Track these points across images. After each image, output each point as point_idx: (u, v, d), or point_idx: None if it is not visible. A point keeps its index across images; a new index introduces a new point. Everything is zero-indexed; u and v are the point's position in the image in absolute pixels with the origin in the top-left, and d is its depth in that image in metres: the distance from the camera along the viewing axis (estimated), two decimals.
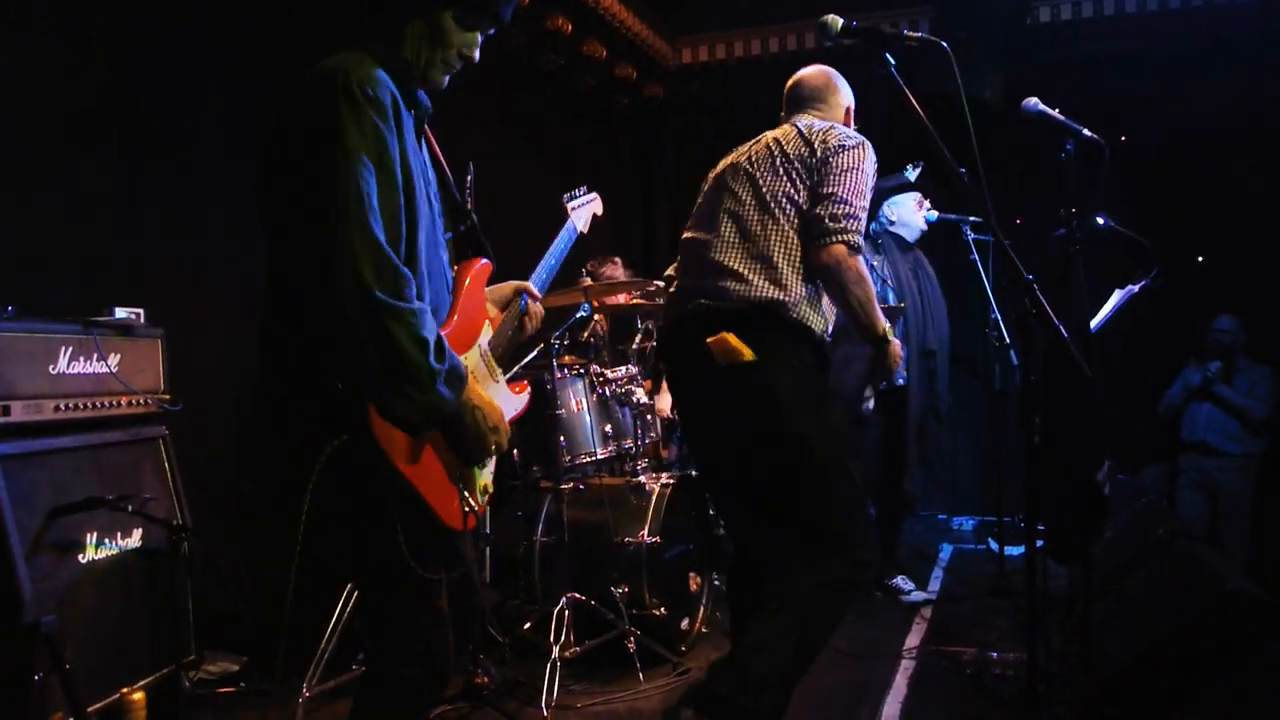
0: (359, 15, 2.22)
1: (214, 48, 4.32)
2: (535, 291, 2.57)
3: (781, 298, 2.82)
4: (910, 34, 2.72)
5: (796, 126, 3.03)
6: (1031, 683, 2.81)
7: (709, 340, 2.80)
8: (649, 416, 4.70)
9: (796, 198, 2.90)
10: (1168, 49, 6.47)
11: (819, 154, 2.90)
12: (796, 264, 2.86)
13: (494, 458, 2.22)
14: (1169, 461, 6.08)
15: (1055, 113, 3.25)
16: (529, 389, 2.53)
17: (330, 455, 1.98)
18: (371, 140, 1.92)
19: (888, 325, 2.90)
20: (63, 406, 3.10)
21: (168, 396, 3.52)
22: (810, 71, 3.33)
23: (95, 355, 3.24)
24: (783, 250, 2.87)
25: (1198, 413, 5.90)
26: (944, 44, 2.72)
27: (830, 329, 3.05)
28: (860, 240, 2.83)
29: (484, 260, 2.38)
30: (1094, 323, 4.30)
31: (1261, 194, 6.30)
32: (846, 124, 3.23)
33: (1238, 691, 3.00)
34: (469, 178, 3.60)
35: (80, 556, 3.08)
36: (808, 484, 2.81)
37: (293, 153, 1.96)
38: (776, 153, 2.98)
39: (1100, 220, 3.79)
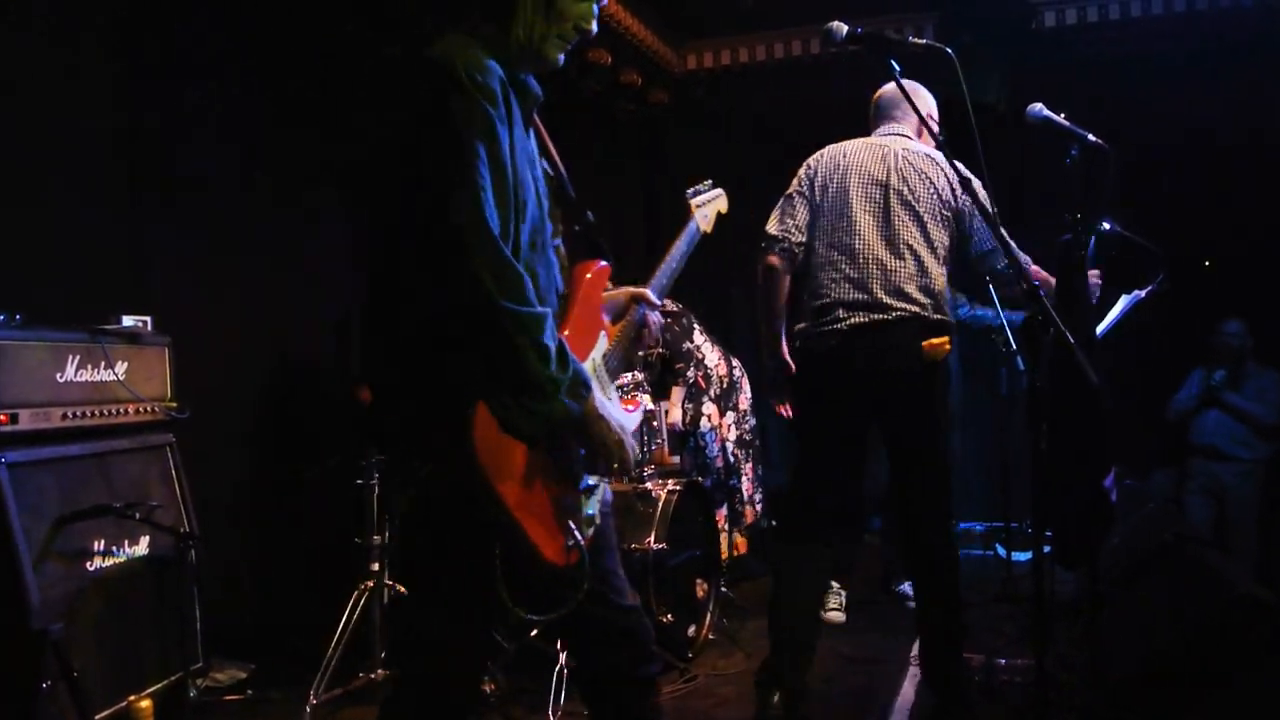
0: None
1: (220, 54, 4.33)
2: (654, 299, 2.36)
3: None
4: (914, 40, 2.72)
5: (936, 160, 3.34)
6: (1039, 689, 2.80)
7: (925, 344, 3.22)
8: (654, 423, 4.70)
9: (947, 244, 3.35)
10: (1172, 53, 6.45)
11: (956, 202, 3.34)
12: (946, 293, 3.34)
13: (602, 488, 2.10)
14: (1176, 466, 6.06)
15: (1060, 118, 3.24)
16: (640, 405, 2.41)
17: (425, 481, 1.85)
18: (482, 131, 1.80)
19: None
20: (70, 414, 3.11)
21: (175, 404, 3.53)
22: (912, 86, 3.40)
23: (102, 363, 3.24)
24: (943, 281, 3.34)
25: (1205, 417, 5.88)
26: (948, 50, 2.72)
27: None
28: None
29: (602, 262, 2.19)
30: (1100, 328, 4.29)
31: (1268, 197, 6.28)
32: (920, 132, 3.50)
33: (1247, 697, 2.99)
34: None
35: (88, 564, 3.09)
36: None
37: (396, 146, 1.85)
38: (934, 195, 3.32)
39: (1106, 225, 3.78)
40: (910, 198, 3.31)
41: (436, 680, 1.96)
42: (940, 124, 3.36)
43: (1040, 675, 2.75)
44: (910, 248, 3.27)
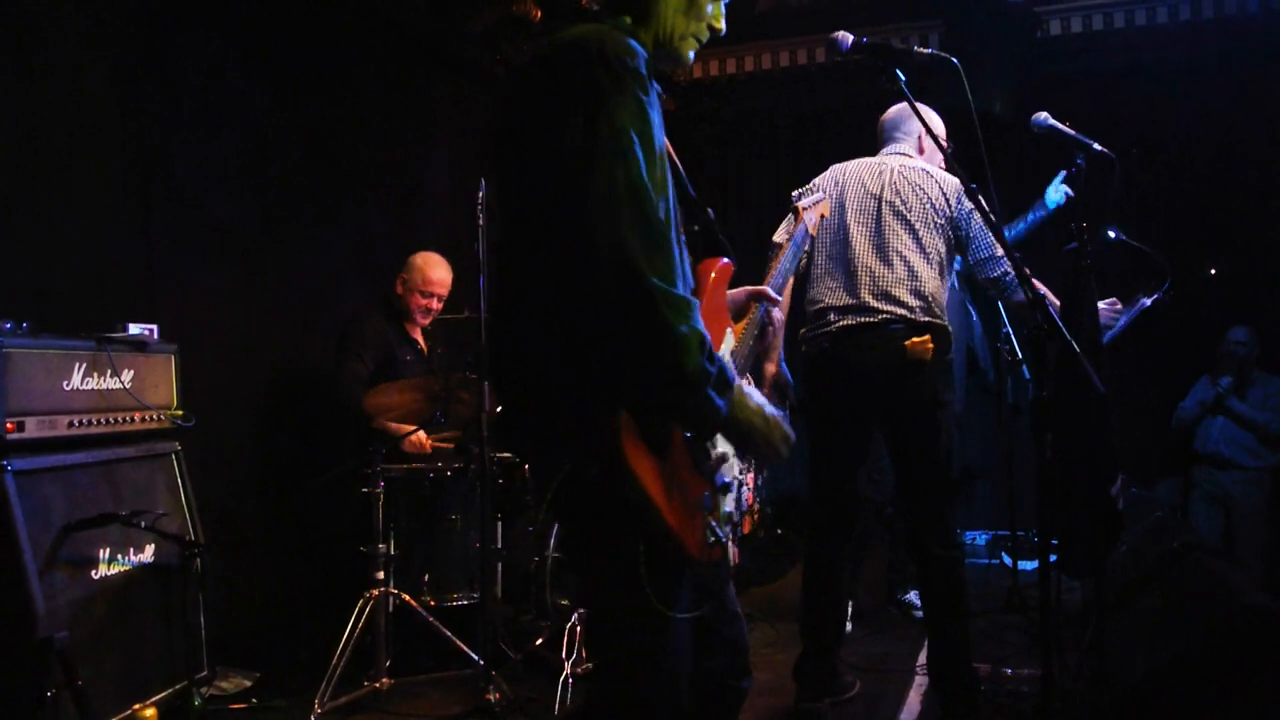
0: None
1: (225, 67, 4.35)
2: (775, 296, 2.33)
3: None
4: (920, 49, 2.72)
5: (931, 173, 3.49)
6: (1046, 699, 2.78)
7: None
8: None
9: (942, 250, 3.46)
10: (1178, 61, 6.46)
11: (952, 211, 3.44)
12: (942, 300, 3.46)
13: (737, 486, 2.03)
14: (1182, 474, 6.05)
15: (1065, 126, 3.24)
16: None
17: (569, 477, 1.75)
18: (635, 114, 1.70)
19: None
20: (76, 422, 3.11)
21: (180, 412, 3.53)
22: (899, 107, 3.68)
23: (109, 371, 3.25)
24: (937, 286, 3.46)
25: (1211, 425, 5.87)
26: (953, 59, 2.72)
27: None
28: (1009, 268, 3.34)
29: (725, 260, 2.13)
30: (1105, 336, 4.29)
31: (1273, 205, 6.28)
32: (923, 148, 3.66)
33: (1253, 706, 2.97)
34: (481, 194, 3.62)
35: (93, 572, 3.09)
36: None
37: (537, 132, 1.74)
38: (927, 205, 3.45)
39: (1111, 233, 3.78)
40: (902, 207, 3.44)
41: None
42: (947, 136, 3.40)
43: (1047, 685, 2.74)
44: (900, 254, 3.42)
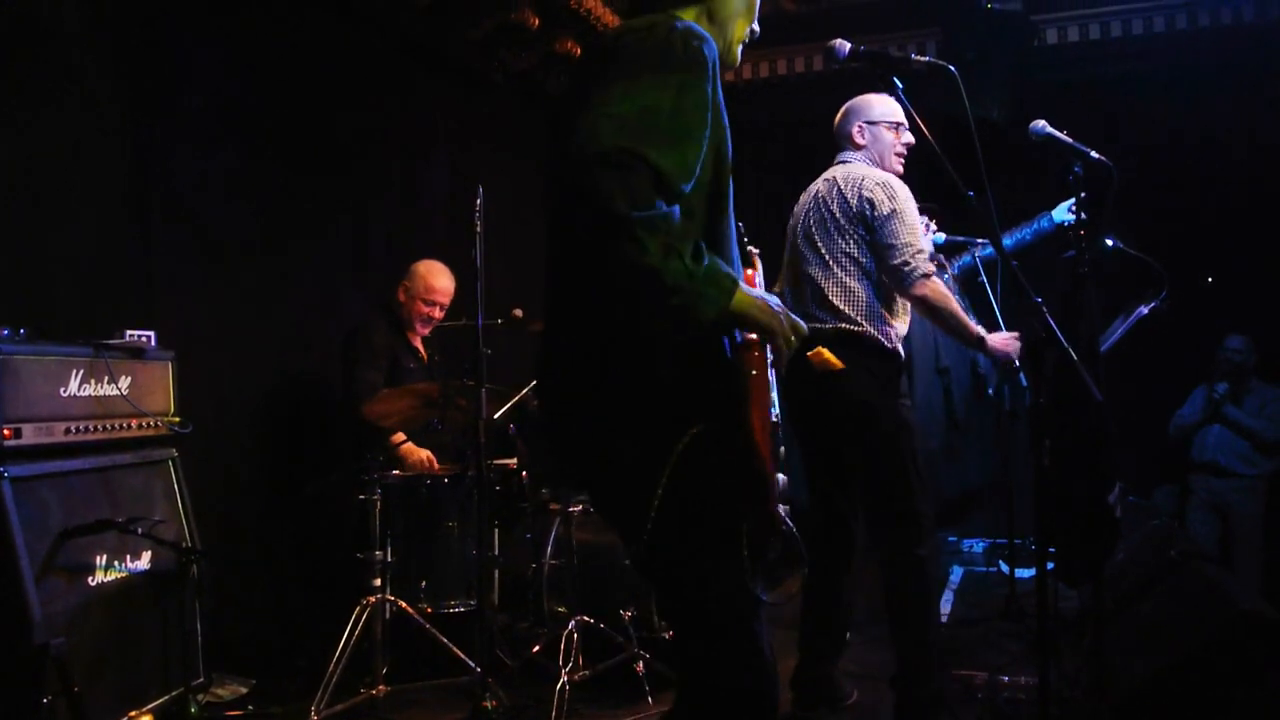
0: None
1: (222, 74, 4.36)
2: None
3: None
4: (917, 58, 2.72)
5: (834, 180, 3.54)
6: (1044, 706, 2.78)
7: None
8: None
9: (853, 252, 3.48)
10: (1175, 70, 6.48)
11: (855, 209, 3.47)
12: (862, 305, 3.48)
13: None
14: (1179, 482, 6.06)
15: (1063, 134, 3.25)
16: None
17: (692, 442, 1.76)
18: (700, 97, 1.79)
19: (979, 329, 3.50)
20: (73, 429, 3.11)
21: (178, 419, 3.53)
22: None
23: (106, 378, 3.25)
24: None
25: (1207, 433, 5.89)
26: (951, 67, 2.73)
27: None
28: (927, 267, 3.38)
29: (749, 270, 2.26)
30: (1104, 344, 4.29)
31: (1269, 213, 6.29)
32: (863, 140, 3.64)
33: (1251, 714, 2.98)
34: (478, 201, 3.62)
35: (90, 579, 3.09)
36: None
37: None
38: (826, 214, 3.52)
39: (1109, 241, 3.78)
40: (812, 228, 3.55)
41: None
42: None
43: (1044, 692, 2.74)
44: (807, 274, 3.53)
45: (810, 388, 3.32)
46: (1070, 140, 3.23)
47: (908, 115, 2.97)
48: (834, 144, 3.74)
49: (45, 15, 3.60)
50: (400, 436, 4.30)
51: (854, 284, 3.47)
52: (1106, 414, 2.91)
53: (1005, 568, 5.46)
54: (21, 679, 2.77)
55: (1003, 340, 3.53)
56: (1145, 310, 4.24)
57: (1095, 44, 6.60)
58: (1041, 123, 3.30)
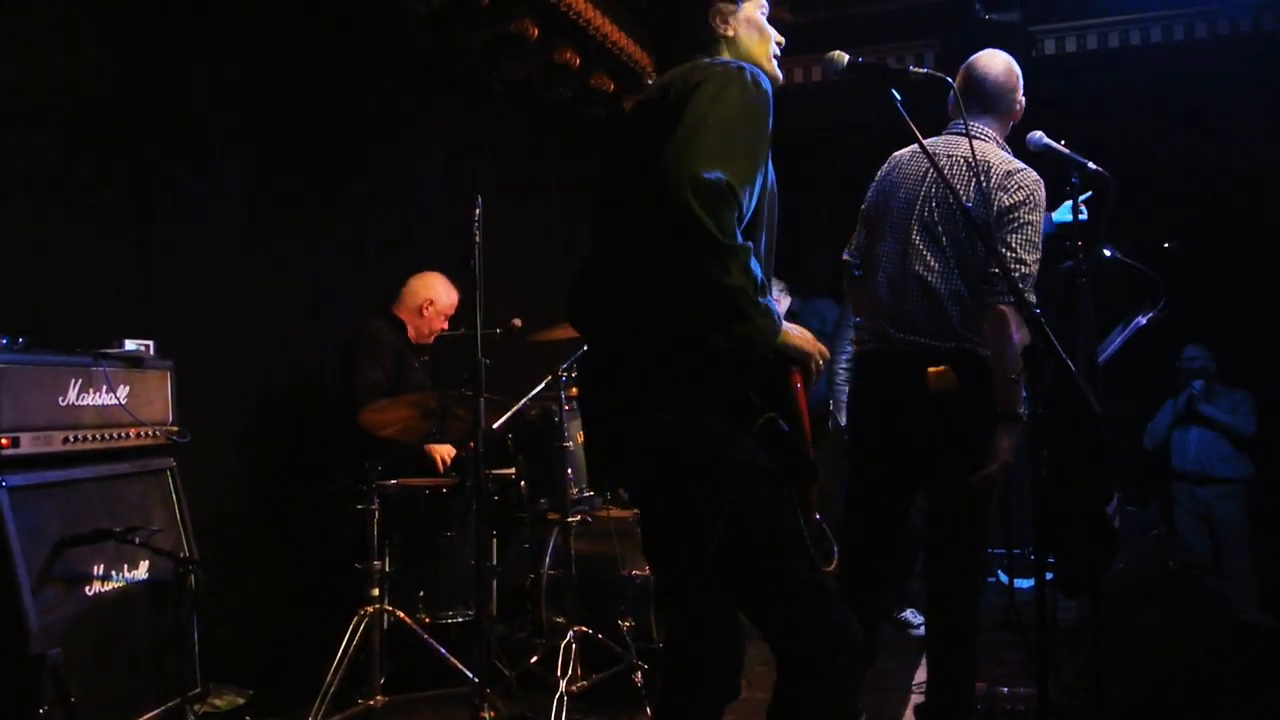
0: (672, 35, 2.34)
1: (223, 82, 4.36)
2: None
3: None
4: (915, 69, 2.74)
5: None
6: (1043, 717, 2.78)
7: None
8: None
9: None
10: (1173, 81, 6.50)
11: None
12: None
13: None
14: (1160, 494, 6.09)
15: (1060, 145, 3.26)
16: None
17: (766, 424, 2.06)
18: (768, 140, 2.07)
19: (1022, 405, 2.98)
20: (71, 438, 3.10)
21: (176, 428, 3.52)
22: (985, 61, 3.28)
23: (104, 387, 3.24)
24: None
25: (1187, 442, 5.92)
26: (949, 79, 2.74)
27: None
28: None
29: None
30: (1102, 355, 4.30)
31: (1267, 223, 6.31)
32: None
33: None
34: (477, 210, 3.63)
35: (87, 588, 3.08)
36: None
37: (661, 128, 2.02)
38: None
39: (1107, 252, 3.79)
40: (936, 225, 3.13)
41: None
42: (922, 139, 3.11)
43: (1043, 703, 2.74)
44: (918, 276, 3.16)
45: (917, 407, 3.07)
46: (1068, 151, 3.24)
47: (904, 128, 2.96)
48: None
49: (43, 19, 3.60)
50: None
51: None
52: (1104, 425, 2.92)
53: (1004, 578, 5.46)
54: (18, 689, 2.76)
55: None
56: (1143, 320, 4.25)
57: (1093, 55, 6.62)
58: (1039, 134, 3.31)
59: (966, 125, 2.92)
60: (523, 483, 4.47)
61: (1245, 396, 5.86)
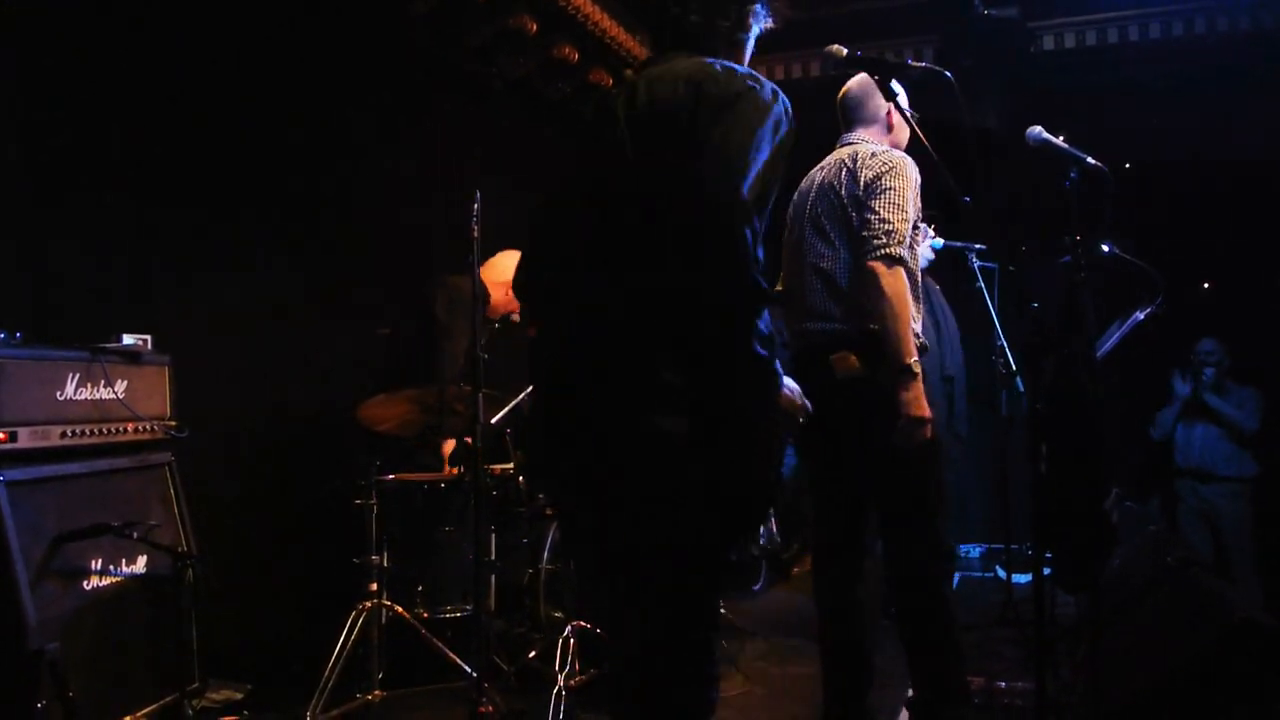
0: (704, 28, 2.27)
1: (222, 76, 4.36)
2: None
3: None
4: (914, 64, 2.74)
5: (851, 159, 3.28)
6: (1040, 713, 2.79)
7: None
8: None
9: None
10: (1171, 77, 6.49)
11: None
12: None
13: None
14: (1164, 491, 6.08)
15: (1059, 140, 3.25)
16: None
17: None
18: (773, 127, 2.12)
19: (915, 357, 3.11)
20: (69, 433, 3.10)
21: (174, 423, 3.52)
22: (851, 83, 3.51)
23: (102, 382, 3.24)
24: None
25: (1192, 438, 5.91)
26: (947, 73, 2.74)
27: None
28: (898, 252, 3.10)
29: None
30: (1100, 350, 4.30)
31: (1266, 220, 6.31)
32: (890, 126, 3.43)
33: None
34: (475, 206, 3.62)
35: (85, 583, 3.08)
36: None
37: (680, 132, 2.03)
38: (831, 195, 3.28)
39: (1105, 247, 3.79)
40: (821, 218, 3.31)
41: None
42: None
43: (1041, 699, 2.74)
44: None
45: (834, 397, 3.07)
46: (1066, 146, 3.23)
47: (905, 120, 2.97)
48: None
49: (43, 16, 3.59)
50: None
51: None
52: (1103, 420, 2.92)
53: (1002, 573, 5.46)
54: (16, 684, 2.77)
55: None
56: (1142, 316, 4.25)
57: (1092, 50, 6.61)
58: (1038, 129, 3.30)
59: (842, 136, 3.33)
60: (521, 478, 4.47)
61: (1253, 393, 5.86)
